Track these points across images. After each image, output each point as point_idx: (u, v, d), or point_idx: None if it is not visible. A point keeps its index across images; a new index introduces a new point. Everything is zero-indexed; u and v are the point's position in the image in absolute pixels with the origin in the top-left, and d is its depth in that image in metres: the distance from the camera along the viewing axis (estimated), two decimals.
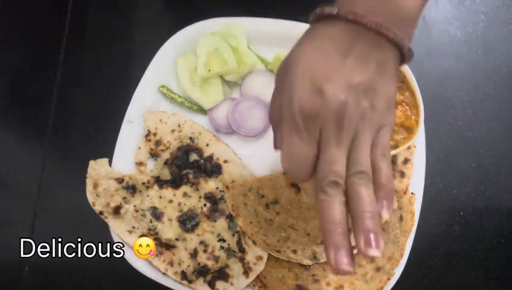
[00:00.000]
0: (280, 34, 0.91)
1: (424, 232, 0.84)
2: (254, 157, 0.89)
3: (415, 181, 0.84)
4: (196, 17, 0.92)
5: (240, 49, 0.90)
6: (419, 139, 0.85)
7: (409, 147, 0.83)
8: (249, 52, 0.91)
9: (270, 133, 0.90)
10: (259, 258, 0.80)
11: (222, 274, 0.79)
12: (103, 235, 0.82)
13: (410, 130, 0.78)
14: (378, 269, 0.79)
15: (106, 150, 0.86)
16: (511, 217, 0.88)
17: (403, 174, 0.83)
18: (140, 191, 0.84)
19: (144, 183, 0.84)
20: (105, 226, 0.82)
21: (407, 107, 0.79)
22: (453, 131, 0.92)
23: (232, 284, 0.78)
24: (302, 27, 0.91)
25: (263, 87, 0.91)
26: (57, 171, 0.90)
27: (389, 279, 0.78)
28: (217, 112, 0.90)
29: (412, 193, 0.83)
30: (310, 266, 0.81)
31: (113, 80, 0.95)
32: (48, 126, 0.93)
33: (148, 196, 0.84)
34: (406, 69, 0.79)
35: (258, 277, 0.79)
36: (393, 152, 0.76)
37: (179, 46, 0.91)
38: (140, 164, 0.86)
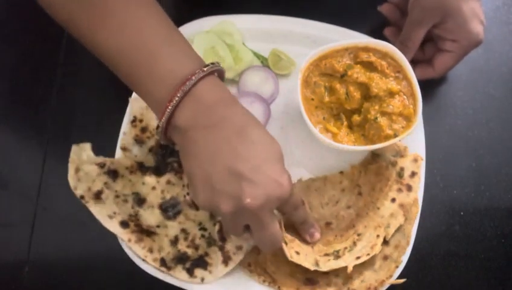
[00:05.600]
0: (274, 30, 0.92)
1: (424, 232, 0.84)
2: None
3: None
4: (190, 16, 0.92)
5: (236, 46, 0.90)
6: (419, 139, 0.85)
7: (416, 160, 0.82)
8: (245, 49, 0.91)
9: (269, 130, 0.90)
10: (239, 247, 0.79)
11: (201, 262, 0.78)
12: (103, 235, 0.82)
13: (408, 119, 0.77)
14: (385, 258, 0.79)
15: (106, 150, 0.86)
16: (511, 217, 0.88)
17: (410, 188, 0.81)
18: (122, 176, 0.82)
19: (127, 168, 0.83)
20: None
21: (405, 97, 0.78)
22: (453, 131, 0.92)
23: (210, 272, 0.78)
24: (296, 22, 0.92)
25: (261, 82, 0.91)
26: (57, 171, 0.89)
27: (397, 267, 0.78)
28: None
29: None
30: None
31: (113, 80, 0.94)
32: (48, 126, 0.93)
33: (130, 181, 0.83)
34: (402, 58, 0.78)
35: (267, 272, 0.79)
36: (393, 141, 0.76)
37: None
38: (124, 149, 0.85)
